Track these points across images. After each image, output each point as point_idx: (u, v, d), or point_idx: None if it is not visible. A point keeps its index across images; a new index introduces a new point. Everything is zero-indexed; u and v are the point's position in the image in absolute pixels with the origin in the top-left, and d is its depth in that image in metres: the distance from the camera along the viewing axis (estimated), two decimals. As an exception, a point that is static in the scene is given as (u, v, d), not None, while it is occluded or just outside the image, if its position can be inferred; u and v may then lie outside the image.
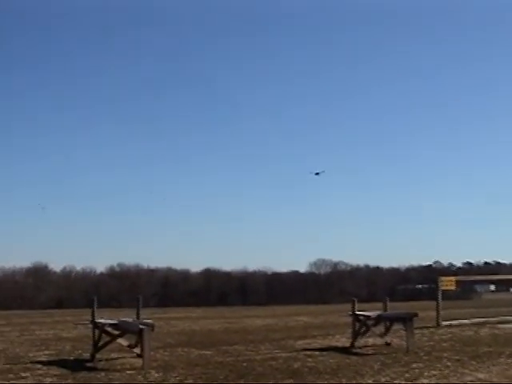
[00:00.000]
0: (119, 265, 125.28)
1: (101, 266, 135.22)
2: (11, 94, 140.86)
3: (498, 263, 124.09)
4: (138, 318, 18.58)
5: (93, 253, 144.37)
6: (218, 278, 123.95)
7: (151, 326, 16.81)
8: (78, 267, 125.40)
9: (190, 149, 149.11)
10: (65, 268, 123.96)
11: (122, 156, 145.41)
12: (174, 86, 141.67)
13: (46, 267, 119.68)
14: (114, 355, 18.44)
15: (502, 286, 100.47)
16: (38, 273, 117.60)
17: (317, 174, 44.53)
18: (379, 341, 20.45)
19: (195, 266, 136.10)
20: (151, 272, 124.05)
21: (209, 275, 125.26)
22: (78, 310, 76.11)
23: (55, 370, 16.06)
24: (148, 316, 22.56)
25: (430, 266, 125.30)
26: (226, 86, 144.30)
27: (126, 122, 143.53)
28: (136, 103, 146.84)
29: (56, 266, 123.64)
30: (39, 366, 16.96)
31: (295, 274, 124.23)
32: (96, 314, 17.83)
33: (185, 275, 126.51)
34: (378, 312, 20.83)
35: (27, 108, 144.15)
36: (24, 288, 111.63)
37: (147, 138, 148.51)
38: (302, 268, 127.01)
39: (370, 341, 20.81)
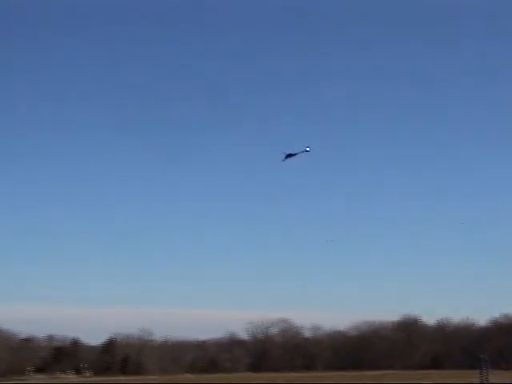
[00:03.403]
0: (505, 316, 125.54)
1: (482, 318, 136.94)
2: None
3: None
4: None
5: (472, 303, 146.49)
6: None
7: None
8: (455, 320, 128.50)
9: None
10: (439, 321, 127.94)
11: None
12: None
13: (416, 320, 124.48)
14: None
15: None
16: (409, 327, 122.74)
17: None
18: None
19: None
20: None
21: None
22: (458, 372, 79.16)
23: None
24: None
25: None
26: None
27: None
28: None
29: (429, 318, 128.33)
30: None
31: None
32: (485, 377, 20.78)
33: None
34: None
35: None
36: (393, 344, 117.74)
37: None
38: None
39: None
